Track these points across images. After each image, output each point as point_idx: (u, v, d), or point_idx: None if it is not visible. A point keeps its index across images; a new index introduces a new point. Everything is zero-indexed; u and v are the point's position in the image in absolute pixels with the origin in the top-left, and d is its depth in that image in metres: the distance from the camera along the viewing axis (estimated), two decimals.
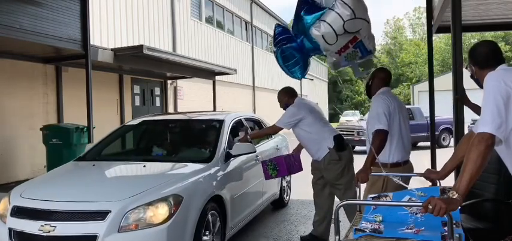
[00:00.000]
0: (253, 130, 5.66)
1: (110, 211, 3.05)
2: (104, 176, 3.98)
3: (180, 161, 4.27)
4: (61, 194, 3.42)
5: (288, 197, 6.41)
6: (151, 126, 5.58)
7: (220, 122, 4.70)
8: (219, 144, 4.31)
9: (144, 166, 4.14)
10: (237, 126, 5.11)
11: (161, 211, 3.17)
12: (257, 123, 6.13)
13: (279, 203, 6.11)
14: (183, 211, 3.27)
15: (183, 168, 3.99)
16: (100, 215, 3.04)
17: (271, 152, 5.66)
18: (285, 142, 6.56)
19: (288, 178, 6.40)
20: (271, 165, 4.32)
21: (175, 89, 14.95)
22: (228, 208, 3.97)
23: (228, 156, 4.25)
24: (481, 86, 2.28)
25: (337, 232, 2.03)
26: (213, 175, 3.90)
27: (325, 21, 3.28)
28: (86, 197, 3.30)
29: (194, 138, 5.12)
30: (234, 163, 4.32)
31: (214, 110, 15.32)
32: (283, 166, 4.32)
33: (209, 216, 3.60)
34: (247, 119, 5.59)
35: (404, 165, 3.44)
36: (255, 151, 4.59)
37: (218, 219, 3.79)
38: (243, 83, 20.59)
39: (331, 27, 3.22)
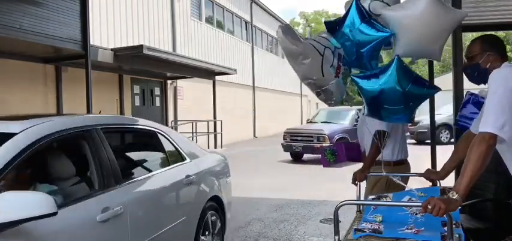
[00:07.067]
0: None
1: None
2: None
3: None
4: None
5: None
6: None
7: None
8: None
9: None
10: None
11: None
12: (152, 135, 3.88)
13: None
14: None
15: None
16: None
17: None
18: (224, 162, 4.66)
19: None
20: (330, 150, 3.99)
21: (175, 89, 14.95)
22: None
23: None
24: (475, 80, 2.28)
25: (337, 232, 2.03)
26: None
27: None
28: None
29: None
30: None
31: (214, 110, 15.34)
32: (342, 151, 3.96)
33: None
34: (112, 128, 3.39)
35: (406, 163, 3.43)
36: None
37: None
38: (243, 83, 20.57)
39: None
